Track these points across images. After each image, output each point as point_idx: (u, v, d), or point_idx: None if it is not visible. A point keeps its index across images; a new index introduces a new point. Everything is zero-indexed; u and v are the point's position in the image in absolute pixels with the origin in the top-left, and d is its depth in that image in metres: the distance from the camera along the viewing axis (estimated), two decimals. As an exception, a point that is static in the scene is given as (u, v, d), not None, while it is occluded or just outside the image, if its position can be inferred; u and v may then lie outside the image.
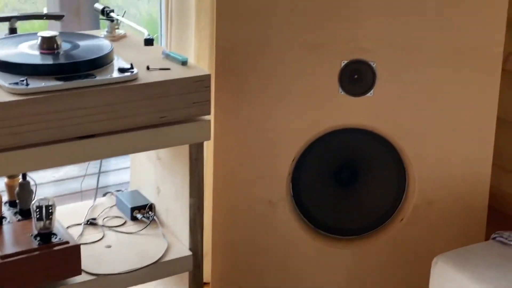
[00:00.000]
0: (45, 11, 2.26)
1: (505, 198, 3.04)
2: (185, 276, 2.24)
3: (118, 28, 2.29)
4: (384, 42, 2.26)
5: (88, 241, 2.23)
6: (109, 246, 2.22)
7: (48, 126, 1.85)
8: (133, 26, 2.21)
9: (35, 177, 2.17)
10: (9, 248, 1.94)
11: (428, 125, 2.34)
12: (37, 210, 1.95)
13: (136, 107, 1.95)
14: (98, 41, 2.10)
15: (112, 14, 2.26)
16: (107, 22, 2.28)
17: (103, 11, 2.26)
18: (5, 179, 2.19)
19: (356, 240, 2.47)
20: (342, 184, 2.43)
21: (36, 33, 2.00)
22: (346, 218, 2.45)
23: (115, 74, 1.93)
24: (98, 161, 2.44)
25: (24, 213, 2.11)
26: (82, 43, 2.05)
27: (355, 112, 2.31)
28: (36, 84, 1.83)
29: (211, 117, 2.10)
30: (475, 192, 2.42)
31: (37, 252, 1.94)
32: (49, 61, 1.94)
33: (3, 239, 1.99)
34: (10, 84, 1.82)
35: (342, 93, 2.29)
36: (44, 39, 1.98)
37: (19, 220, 2.09)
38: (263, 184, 2.35)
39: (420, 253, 2.42)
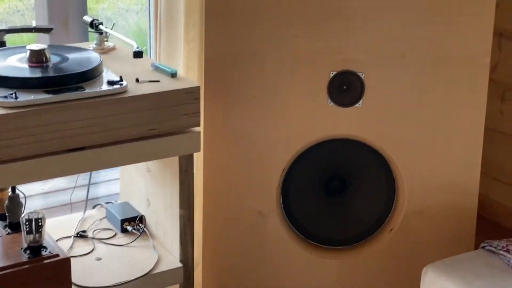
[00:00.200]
0: (33, 23, 2.25)
1: (493, 207, 3.06)
2: (176, 288, 2.24)
3: (107, 41, 2.29)
4: (372, 53, 2.27)
5: (78, 254, 2.22)
6: (99, 259, 2.21)
7: (37, 139, 1.84)
8: (122, 38, 2.21)
9: (24, 189, 2.16)
10: (-1, 261, 1.93)
11: (417, 135, 2.35)
12: (27, 223, 1.94)
13: (125, 120, 1.95)
14: (87, 54, 2.09)
15: (101, 26, 2.25)
16: (96, 35, 2.27)
17: (92, 24, 2.25)
18: (-6, 193, 2.18)
19: (346, 250, 2.47)
20: (332, 194, 2.43)
21: (24, 46, 2.00)
22: (336, 228, 2.45)
23: (105, 87, 1.93)
24: (88, 173, 2.44)
25: (14, 226, 2.09)
26: (71, 55, 2.05)
27: (344, 123, 2.32)
28: (25, 97, 1.83)
29: (200, 129, 2.10)
30: (464, 201, 2.43)
31: (27, 266, 1.92)
32: (38, 74, 1.93)
33: (-7, 252, 1.98)
34: (-1, 97, 1.82)
35: (331, 103, 2.30)
36: (33, 52, 1.97)
37: (8, 234, 2.07)
38: (253, 195, 2.35)
39: (410, 262, 2.42)
